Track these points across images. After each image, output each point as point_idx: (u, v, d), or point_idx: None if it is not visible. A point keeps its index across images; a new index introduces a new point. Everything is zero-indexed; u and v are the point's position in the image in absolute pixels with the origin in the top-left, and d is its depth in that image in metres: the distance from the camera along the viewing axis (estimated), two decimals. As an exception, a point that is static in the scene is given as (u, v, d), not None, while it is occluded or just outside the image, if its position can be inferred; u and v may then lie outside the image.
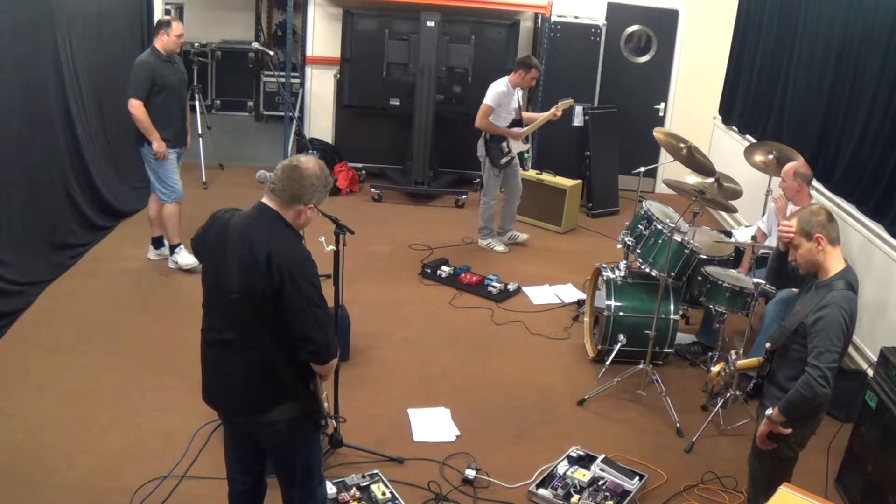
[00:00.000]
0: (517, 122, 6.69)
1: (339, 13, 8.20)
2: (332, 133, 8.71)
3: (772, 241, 5.14)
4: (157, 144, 5.56)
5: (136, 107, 5.48)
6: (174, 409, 4.24)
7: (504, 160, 6.63)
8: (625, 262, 5.22)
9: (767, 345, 3.31)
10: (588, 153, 8.22)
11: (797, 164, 5.11)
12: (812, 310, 3.07)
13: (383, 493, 3.66)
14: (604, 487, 3.86)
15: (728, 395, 4.55)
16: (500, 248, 6.91)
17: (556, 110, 6.67)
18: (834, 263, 3.12)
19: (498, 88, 6.53)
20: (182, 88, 5.81)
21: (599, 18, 8.48)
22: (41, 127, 5.56)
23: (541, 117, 6.79)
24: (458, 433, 4.30)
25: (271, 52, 8.14)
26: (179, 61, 5.82)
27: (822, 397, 2.99)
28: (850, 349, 5.15)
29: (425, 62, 7.60)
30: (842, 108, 5.76)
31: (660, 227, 4.95)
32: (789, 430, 3.12)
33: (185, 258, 5.89)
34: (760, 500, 3.27)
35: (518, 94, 6.71)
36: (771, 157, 5.69)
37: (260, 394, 2.77)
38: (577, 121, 8.40)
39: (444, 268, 6.27)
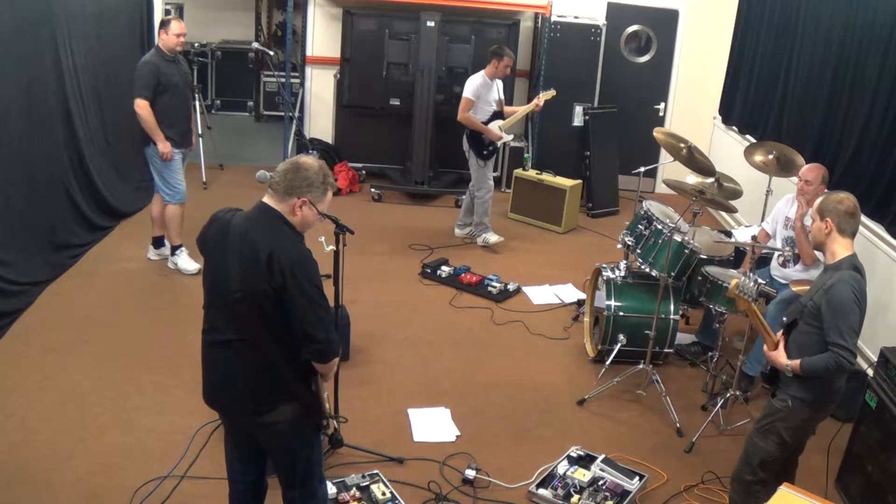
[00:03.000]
0: (498, 114, 6.71)
1: (339, 13, 8.20)
2: (332, 133, 8.71)
3: (775, 243, 5.13)
4: (162, 145, 5.55)
5: (142, 107, 5.47)
6: (174, 409, 4.24)
7: (486, 151, 6.67)
8: (625, 262, 5.22)
9: (784, 318, 3.42)
10: (588, 153, 8.22)
11: (820, 167, 4.91)
12: (819, 289, 3.18)
13: (383, 493, 3.66)
14: (604, 487, 3.86)
15: (728, 394, 4.55)
16: (494, 238, 6.89)
17: (537, 101, 6.71)
18: (840, 250, 3.22)
19: (475, 81, 6.56)
20: (186, 89, 5.80)
21: (599, 18, 8.48)
22: (41, 127, 5.55)
23: (521, 109, 6.85)
24: (458, 433, 4.30)
25: (271, 52, 8.16)
26: (183, 62, 5.81)
27: (846, 372, 3.14)
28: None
29: (425, 62, 7.60)
30: (842, 108, 5.76)
31: (660, 227, 4.94)
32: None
33: (186, 263, 5.88)
34: (746, 476, 3.34)
35: (498, 86, 6.72)
36: (771, 157, 5.68)
37: (261, 394, 2.77)
38: (577, 121, 8.41)
39: (444, 268, 6.27)
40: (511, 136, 7.00)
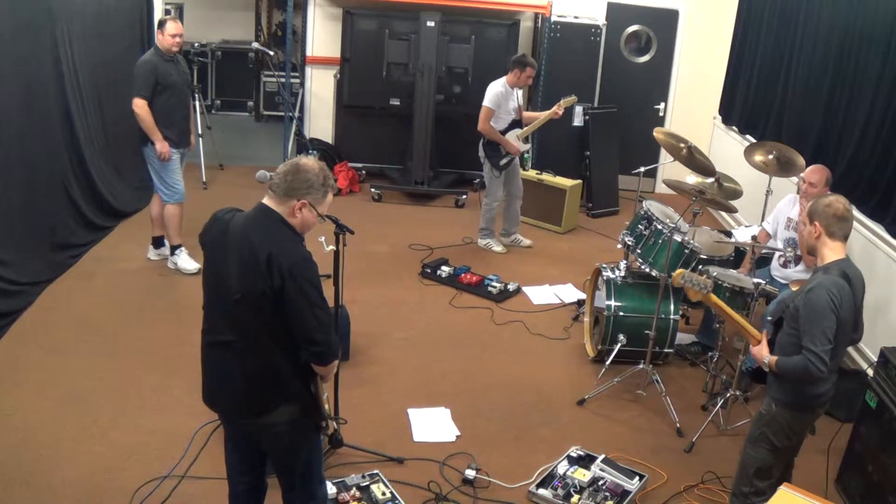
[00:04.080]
0: (517, 122, 6.67)
1: (339, 13, 8.20)
2: (332, 133, 8.71)
3: (775, 243, 5.13)
4: (161, 145, 5.55)
5: (140, 106, 5.47)
6: (174, 409, 4.24)
7: (503, 161, 6.61)
8: (625, 262, 5.22)
9: (769, 318, 3.40)
10: (588, 153, 8.22)
11: (824, 169, 4.89)
12: (801, 291, 3.15)
13: (383, 493, 3.67)
14: (604, 487, 3.86)
15: (728, 394, 4.55)
16: (498, 248, 6.91)
17: (557, 108, 6.60)
18: (830, 253, 3.17)
19: (495, 89, 6.50)
20: (185, 88, 5.80)
21: (599, 18, 8.48)
22: (41, 127, 5.55)
23: (542, 116, 6.75)
24: (458, 433, 4.30)
25: (271, 52, 8.15)
26: (182, 61, 5.81)
27: (816, 379, 3.08)
28: (851, 349, 5.14)
29: (425, 62, 7.60)
30: (842, 108, 5.76)
31: (660, 227, 4.94)
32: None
33: (186, 262, 5.88)
34: (744, 487, 3.34)
35: (517, 94, 6.67)
36: (771, 157, 5.68)
37: (260, 395, 2.77)
38: (577, 121, 8.40)
39: (444, 268, 6.27)
40: (528, 145, 6.95)
